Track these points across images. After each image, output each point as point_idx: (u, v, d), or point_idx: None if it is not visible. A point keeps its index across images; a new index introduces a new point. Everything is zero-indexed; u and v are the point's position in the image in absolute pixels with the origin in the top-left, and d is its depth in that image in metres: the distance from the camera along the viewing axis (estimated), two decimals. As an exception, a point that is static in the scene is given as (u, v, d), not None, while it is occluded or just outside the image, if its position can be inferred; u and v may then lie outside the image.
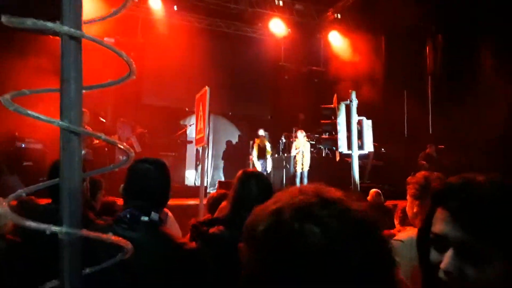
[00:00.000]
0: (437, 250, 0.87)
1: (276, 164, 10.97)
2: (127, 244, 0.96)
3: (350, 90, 5.82)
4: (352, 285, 0.59)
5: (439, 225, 0.87)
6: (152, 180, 1.65)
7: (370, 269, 0.61)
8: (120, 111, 10.95)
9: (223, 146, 12.04)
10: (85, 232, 0.83)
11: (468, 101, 10.41)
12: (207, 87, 4.71)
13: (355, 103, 5.66)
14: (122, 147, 0.93)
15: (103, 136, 0.88)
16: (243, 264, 0.69)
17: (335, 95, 5.87)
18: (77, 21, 0.86)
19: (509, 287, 0.80)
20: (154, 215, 1.62)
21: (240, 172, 2.15)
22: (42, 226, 0.80)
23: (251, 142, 11.22)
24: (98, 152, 7.20)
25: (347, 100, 5.74)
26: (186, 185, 10.67)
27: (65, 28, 0.84)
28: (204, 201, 6.19)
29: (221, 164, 12.12)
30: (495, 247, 0.79)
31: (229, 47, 12.54)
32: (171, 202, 5.30)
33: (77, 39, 0.85)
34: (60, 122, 0.81)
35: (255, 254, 0.67)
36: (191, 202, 7.08)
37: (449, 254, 0.84)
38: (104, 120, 10.15)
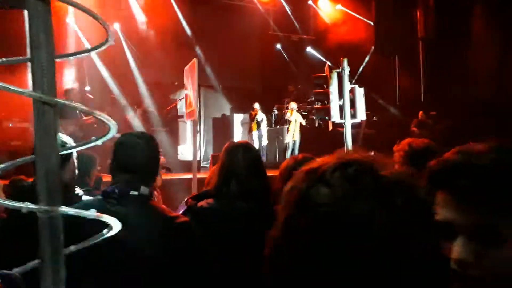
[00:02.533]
0: (447, 241, 0.77)
1: (269, 137, 10.95)
2: (111, 220, 0.92)
3: (341, 58, 5.73)
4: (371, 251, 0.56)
5: (442, 212, 0.77)
6: (140, 153, 1.61)
7: (393, 233, 0.57)
8: (107, 87, 10.77)
9: (215, 120, 11.94)
10: (64, 209, 0.79)
11: (460, 65, 10.37)
12: (195, 59, 4.60)
13: (347, 71, 5.58)
14: (102, 118, 0.87)
15: (79, 104, 0.82)
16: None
17: (327, 64, 5.75)
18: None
19: None
20: (144, 189, 1.58)
21: (227, 144, 2.12)
22: (17, 204, 0.76)
23: (246, 115, 11.15)
24: (87, 129, 7.10)
25: (338, 68, 5.65)
26: (179, 159, 10.64)
27: (30, -11, 0.77)
28: (198, 175, 6.20)
29: (212, 138, 12.06)
30: None
31: (217, 17, 12.23)
32: (164, 177, 5.25)
33: (46, 1, 0.78)
34: (31, 93, 0.75)
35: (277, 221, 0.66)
36: (185, 176, 7.07)
37: (460, 241, 0.75)
38: (92, 97, 9.99)
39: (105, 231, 1.01)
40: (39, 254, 0.83)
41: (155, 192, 4.35)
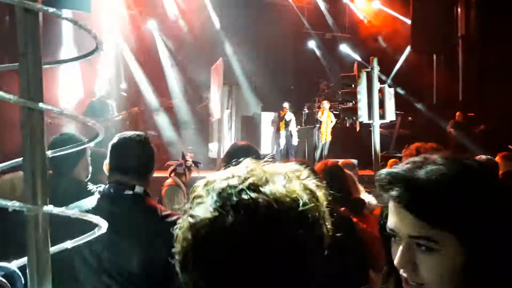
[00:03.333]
0: (396, 245, 0.81)
1: (299, 136, 10.85)
2: (96, 219, 0.96)
3: (371, 57, 5.60)
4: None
5: (390, 218, 0.81)
6: (134, 154, 1.67)
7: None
8: (142, 85, 11.04)
9: (244, 118, 11.96)
10: (49, 208, 0.83)
11: (502, 66, 9.86)
12: (220, 59, 4.64)
13: (376, 70, 5.45)
14: (89, 124, 0.91)
15: (64, 111, 0.86)
16: None
17: (356, 62, 5.63)
18: (32, -7, 0.83)
19: (469, 276, 0.74)
20: (139, 188, 1.64)
21: (230, 145, 2.12)
22: (3, 202, 0.81)
23: (275, 114, 11.09)
24: (118, 125, 7.34)
25: (368, 68, 5.53)
26: (210, 157, 10.78)
27: (18, 1, 0.81)
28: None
29: (240, 137, 12.07)
30: (450, 234, 0.73)
31: (250, 15, 12.27)
32: (193, 174, 5.32)
33: (33, 12, 0.82)
34: (17, 99, 0.80)
35: None
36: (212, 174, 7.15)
37: (400, 248, 0.78)
38: (125, 94, 10.29)
39: (95, 229, 1.05)
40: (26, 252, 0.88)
41: (182, 189, 4.44)
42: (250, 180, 0.61)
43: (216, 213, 0.58)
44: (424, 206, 0.74)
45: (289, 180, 0.63)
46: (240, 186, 0.60)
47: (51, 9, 0.88)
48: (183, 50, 12.13)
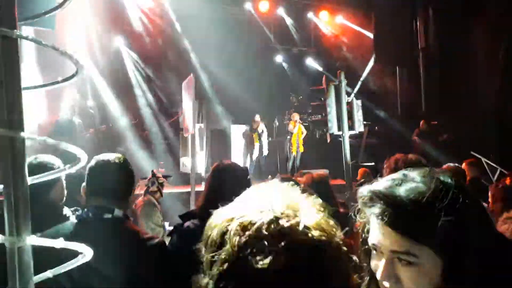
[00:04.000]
0: (377, 257, 0.85)
1: (270, 148, 10.95)
2: (81, 247, 0.94)
3: (338, 71, 5.76)
4: None
5: (372, 234, 0.85)
6: (112, 176, 1.63)
7: None
8: (110, 102, 10.83)
9: (214, 132, 11.97)
10: (32, 239, 0.81)
11: (460, 76, 10.36)
12: (191, 74, 4.66)
13: (344, 83, 5.61)
14: (70, 150, 0.90)
15: (47, 138, 0.85)
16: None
17: (324, 76, 5.77)
18: (11, 20, 0.82)
19: (448, 284, 0.79)
20: (118, 212, 1.61)
21: (215, 164, 2.13)
22: (-17, 236, 0.78)
23: (247, 128, 11.16)
24: (87, 145, 7.16)
25: (335, 81, 5.69)
26: (182, 172, 10.65)
27: (-4, 28, 0.80)
28: (198, 188, 6.21)
29: (210, 151, 12.03)
30: (428, 249, 0.78)
31: (217, 30, 12.36)
32: (164, 190, 5.22)
33: (10, 39, 0.81)
34: (-3, 129, 0.78)
35: None
36: (184, 190, 7.08)
37: (382, 262, 0.82)
38: (93, 111, 10.06)
39: (79, 256, 1.03)
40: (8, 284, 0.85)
41: (157, 206, 4.37)
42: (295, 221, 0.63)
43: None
44: (406, 223, 0.78)
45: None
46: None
47: (30, 36, 0.88)
48: (151, 66, 12.04)
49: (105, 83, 10.69)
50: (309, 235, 0.62)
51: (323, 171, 5.46)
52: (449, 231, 0.77)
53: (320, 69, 13.65)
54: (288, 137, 10.73)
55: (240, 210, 0.69)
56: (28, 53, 8.68)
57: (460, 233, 0.78)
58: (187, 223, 1.98)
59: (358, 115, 5.81)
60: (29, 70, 8.23)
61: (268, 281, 0.58)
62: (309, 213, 0.66)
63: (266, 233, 0.61)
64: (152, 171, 4.46)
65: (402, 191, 0.80)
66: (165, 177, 4.77)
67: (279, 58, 14.47)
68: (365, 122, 8.84)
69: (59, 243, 0.88)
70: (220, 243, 0.65)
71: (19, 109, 0.83)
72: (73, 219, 1.81)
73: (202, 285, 0.64)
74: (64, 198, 2.07)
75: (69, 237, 0.97)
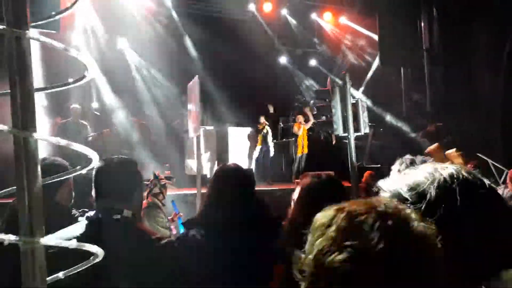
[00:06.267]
0: None
1: (276, 149, 10.95)
2: (93, 248, 0.94)
3: (343, 72, 5.75)
4: None
5: None
6: (118, 178, 1.65)
7: None
8: (114, 103, 10.88)
9: (218, 134, 11.99)
10: (46, 240, 0.81)
11: (465, 75, 10.32)
12: (196, 76, 4.67)
13: (349, 85, 5.59)
14: (83, 151, 0.90)
15: (59, 139, 0.85)
16: None
17: (329, 78, 5.78)
18: (23, 21, 0.82)
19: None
20: (127, 213, 1.62)
21: (218, 167, 2.10)
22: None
23: (252, 129, 11.18)
24: (92, 147, 7.18)
25: (340, 82, 5.67)
26: (187, 174, 10.66)
27: (9, 29, 0.80)
28: (202, 190, 6.20)
29: (216, 153, 12.04)
30: None
31: (220, 32, 12.39)
32: (169, 192, 5.23)
33: (23, 40, 0.81)
34: (9, 129, 0.78)
35: None
36: (190, 192, 7.08)
37: None
38: (98, 114, 10.11)
39: (91, 258, 1.03)
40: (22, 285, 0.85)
41: (161, 208, 4.38)
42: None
43: None
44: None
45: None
46: None
47: (42, 38, 0.88)
48: (155, 68, 12.09)
49: (108, 86, 10.74)
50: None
51: (330, 173, 5.43)
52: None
53: (325, 70, 13.65)
54: (293, 139, 10.73)
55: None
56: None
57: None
58: (191, 232, 1.87)
59: (364, 116, 5.79)
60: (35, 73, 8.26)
61: None
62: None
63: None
64: (154, 173, 4.46)
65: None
66: (167, 178, 4.79)
67: (283, 60, 14.48)
68: (370, 124, 8.83)
69: (72, 244, 0.88)
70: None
71: (32, 109, 0.83)
72: (82, 221, 1.82)
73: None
74: (72, 200, 2.08)
75: (80, 239, 0.97)
